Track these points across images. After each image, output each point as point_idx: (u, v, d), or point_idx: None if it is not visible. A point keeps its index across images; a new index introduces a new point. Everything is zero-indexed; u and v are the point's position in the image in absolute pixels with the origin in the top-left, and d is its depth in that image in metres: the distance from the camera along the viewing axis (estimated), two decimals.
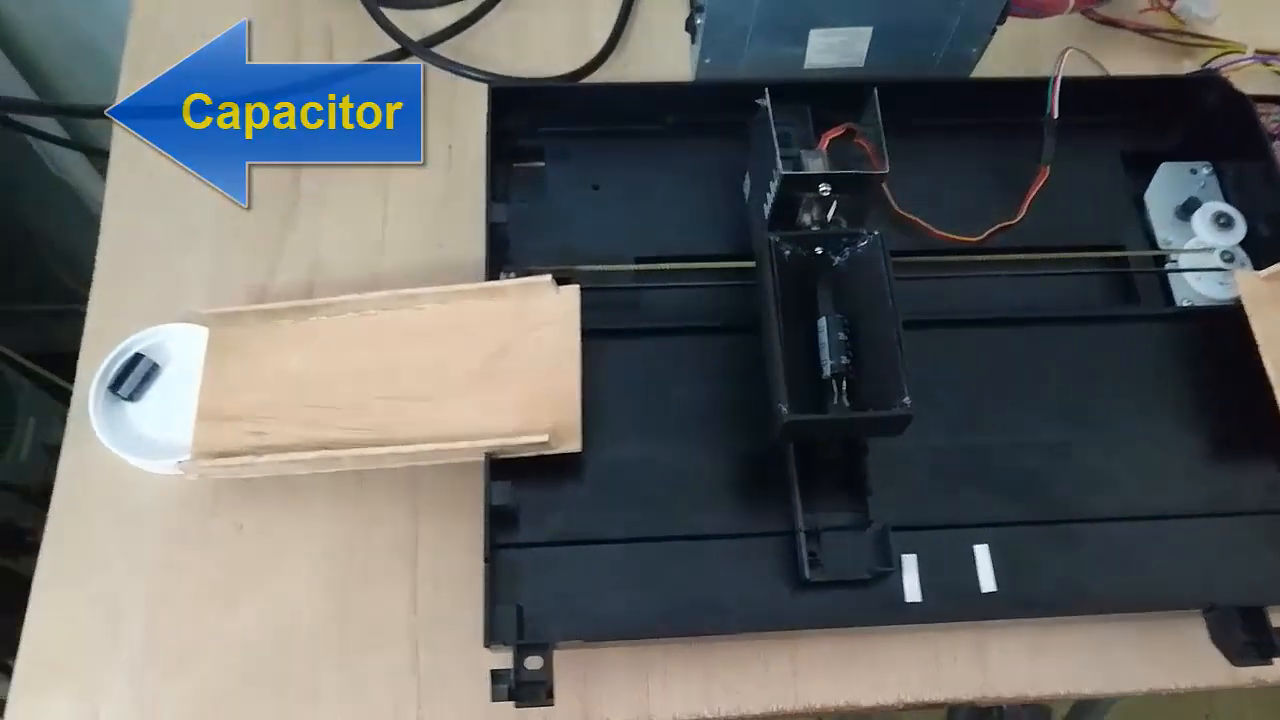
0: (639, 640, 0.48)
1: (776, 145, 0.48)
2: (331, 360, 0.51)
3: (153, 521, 0.51)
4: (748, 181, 0.55)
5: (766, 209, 0.50)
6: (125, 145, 0.60)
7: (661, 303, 0.55)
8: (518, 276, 0.52)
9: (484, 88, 0.60)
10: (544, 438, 0.46)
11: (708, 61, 0.59)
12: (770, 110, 0.49)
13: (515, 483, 0.48)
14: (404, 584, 0.50)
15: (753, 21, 0.56)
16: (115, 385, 0.52)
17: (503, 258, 0.54)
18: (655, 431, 0.51)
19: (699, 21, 0.58)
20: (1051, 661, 0.50)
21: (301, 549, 0.51)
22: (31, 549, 1.03)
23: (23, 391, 1.04)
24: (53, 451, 1.10)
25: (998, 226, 0.58)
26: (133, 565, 0.50)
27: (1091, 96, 0.60)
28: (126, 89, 0.61)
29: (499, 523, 0.47)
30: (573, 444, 0.47)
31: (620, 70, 0.63)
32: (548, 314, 0.50)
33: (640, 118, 0.59)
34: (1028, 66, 0.62)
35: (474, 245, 0.56)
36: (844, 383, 0.48)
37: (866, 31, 0.57)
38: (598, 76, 0.63)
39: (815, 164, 0.50)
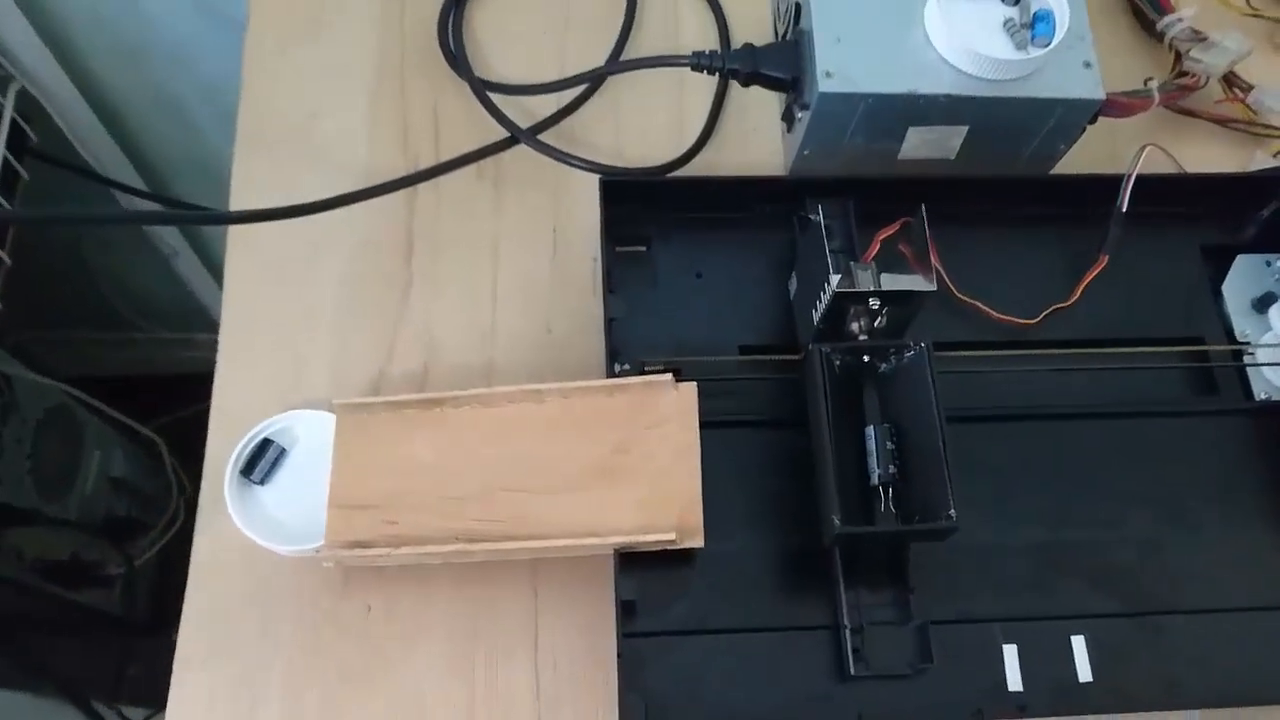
0: None
1: (830, 260, 0.51)
2: (459, 451, 0.53)
3: (287, 603, 0.53)
4: (794, 281, 0.58)
5: (815, 315, 0.53)
6: (244, 229, 0.62)
7: (760, 392, 0.58)
8: (631, 369, 0.55)
9: (586, 174, 0.63)
10: (672, 536, 0.49)
11: (806, 153, 0.61)
12: (824, 224, 0.52)
13: (635, 575, 0.50)
14: (526, 666, 0.53)
15: (856, 119, 0.58)
16: (247, 469, 0.54)
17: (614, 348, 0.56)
18: (751, 522, 0.54)
19: (800, 116, 0.60)
20: None
21: (427, 631, 0.53)
22: (99, 582, 1.05)
23: (88, 427, 1.07)
24: (116, 484, 1.13)
25: (1052, 309, 0.60)
26: (269, 647, 0.52)
27: (1166, 190, 0.63)
28: (243, 171, 0.63)
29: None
30: (696, 540, 0.50)
31: (715, 155, 0.66)
32: (667, 411, 0.52)
33: (741, 206, 0.61)
34: (1103, 152, 0.64)
35: (580, 330, 0.59)
36: (890, 490, 0.51)
37: (962, 130, 0.59)
38: (696, 162, 0.65)
39: (865, 277, 0.53)
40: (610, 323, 0.55)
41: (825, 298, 0.51)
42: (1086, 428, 0.59)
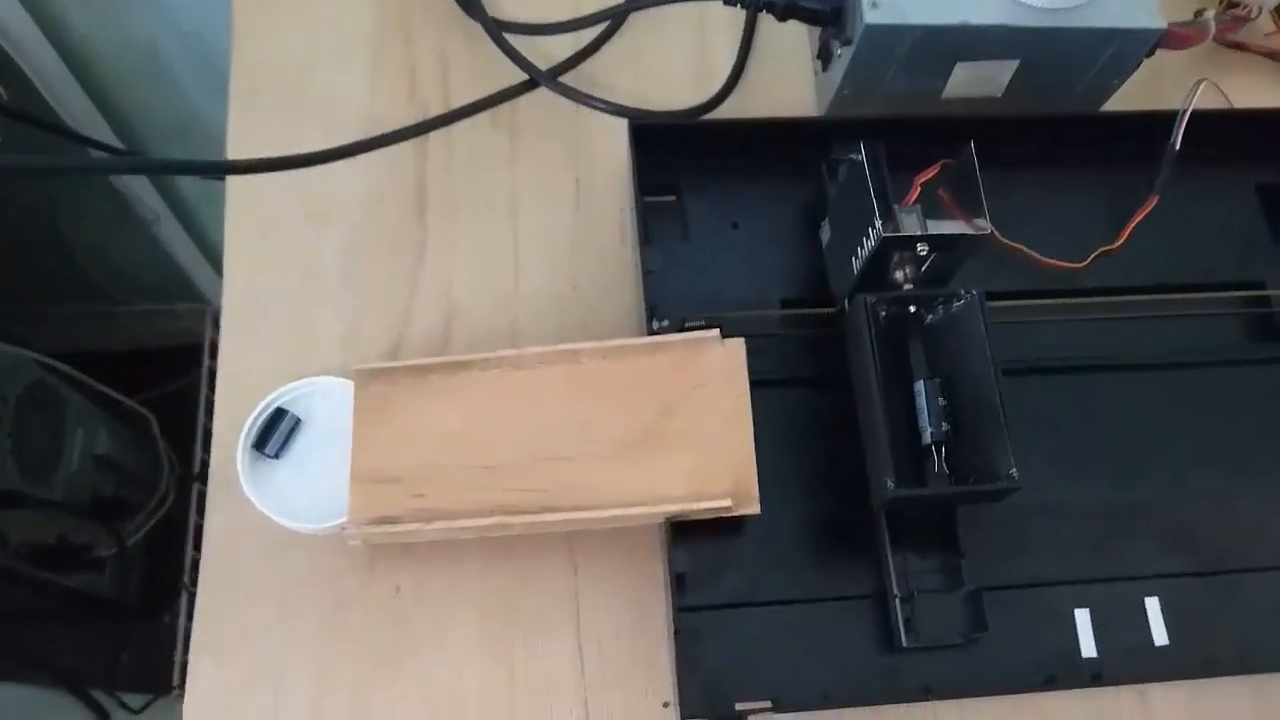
0: (831, 707, 0.47)
1: (876, 204, 0.47)
2: (488, 418, 0.49)
3: (309, 585, 0.49)
4: (826, 230, 0.54)
5: (855, 264, 0.49)
6: (242, 185, 0.57)
7: (798, 349, 0.54)
8: (671, 326, 0.51)
9: (609, 119, 0.59)
10: (728, 503, 0.46)
11: (845, 93, 0.58)
12: (867, 165, 0.48)
13: (686, 546, 0.47)
14: (568, 645, 0.49)
15: (902, 55, 0.54)
16: (260, 443, 0.50)
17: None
18: (792, 486, 0.51)
19: (839, 52, 0.56)
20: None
21: (460, 610, 0.50)
22: (89, 565, 1.01)
23: (70, 403, 1.02)
24: (102, 462, 1.08)
25: (1098, 251, 0.57)
26: (292, 632, 0.49)
27: (1220, 128, 0.59)
28: (238, 125, 0.58)
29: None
30: (752, 506, 0.46)
31: (745, 98, 0.61)
32: (713, 369, 0.49)
33: (775, 152, 0.57)
34: (1146, 91, 0.61)
35: (608, 286, 0.55)
36: (942, 449, 0.48)
37: (1013, 64, 0.56)
38: (723, 107, 0.60)
39: (911, 221, 0.49)
40: (648, 276, 0.51)
41: (869, 244, 0.48)
42: (1143, 379, 0.56)
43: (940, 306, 0.49)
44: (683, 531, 0.47)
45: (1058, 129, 0.59)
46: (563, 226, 0.58)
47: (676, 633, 0.45)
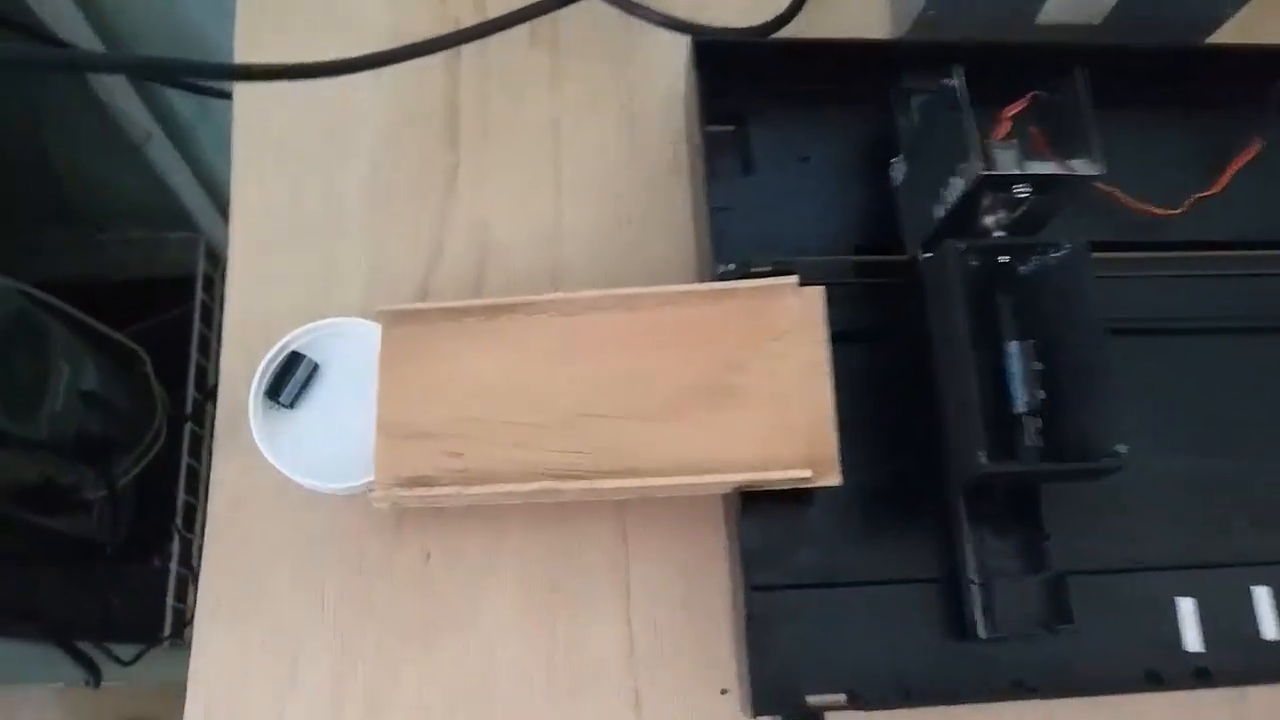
0: (913, 705, 0.42)
1: (970, 138, 0.41)
2: (534, 369, 0.44)
3: (328, 548, 0.44)
4: (899, 168, 0.48)
5: (939, 206, 0.44)
6: (251, 102, 0.51)
7: (869, 300, 0.49)
8: (736, 271, 0.46)
9: (663, 35, 0.52)
10: (807, 473, 0.40)
11: (931, 14, 0.51)
12: (960, 94, 0.42)
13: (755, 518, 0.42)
14: (617, 622, 0.44)
15: None
16: (273, 391, 0.45)
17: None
18: (863, 454, 0.45)
19: None
20: None
21: (498, 580, 0.45)
22: (77, 507, 0.96)
23: (54, 336, 0.96)
24: (89, 399, 1.02)
25: (1194, 198, 0.51)
26: (309, 600, 0.44)
27: None
28: (246, 35, 0.52)
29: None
30: (832, 477, 0.41)
31: (813, 18, 0.55)
32: (787, 321, 0.43)
33: (852, 79, 0.51)
34: (1261, 25, 0.55)
35: (662, 223, 0.50)
36: (1035, 420, 0.43)
37: None
38: (792, 27, 0.54)
39: (1008, 159, 0.43)
40: (715, 214, 0.45)
41: (960, 184, 0.42)
42: (1249, 342, 0.50)
43: (1036, 257, 0.44)
44: (752, 501, 0.42)
45: (1160, 61, 0.53)
46: (610, 156, 0.52)
47: (748, 616, 0.40)
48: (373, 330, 0.45)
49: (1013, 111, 0.45)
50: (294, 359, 0.45)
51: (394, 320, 0.44)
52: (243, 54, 0.52)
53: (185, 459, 1.11)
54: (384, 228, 0.49)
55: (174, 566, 1.05)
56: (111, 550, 0.99)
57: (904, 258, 0.47)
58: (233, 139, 0.50)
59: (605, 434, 0.43)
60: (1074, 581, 0.42)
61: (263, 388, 0.44)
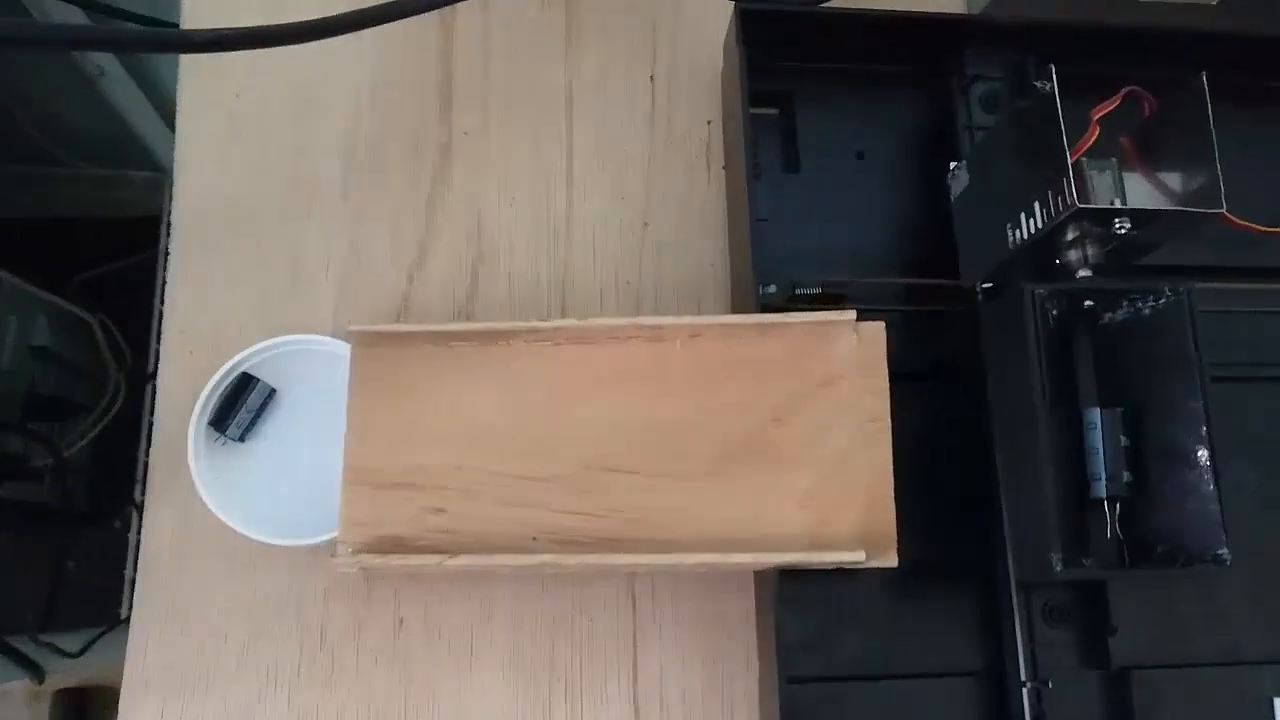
0: None
1: (1069, 160, 0.33)
2: (535, 409, 0.36)
3: (284, 617, 0.37)
4: (962, 177, 0.40)
5: (1010, 236, 0.36)
6: (202, 62, 0.42)
7: (916, 332, 0.41)
8: (778, 292, 0.38)
9: (699, 1, 0.44)
10: (860, 555, 0.33)
11: None
12: (1057, 96, 0.34)
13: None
14: (621, 703, 0.38)
15: None
16: (219, 420, 0.37)
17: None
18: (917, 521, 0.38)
19: None
20: None
21: (485, 654, 0.38)
22: (25, 474, 0.88)
23: (2, 286, 0.87)
24: (38, 354, 0.94)
25: None
26: (259, 679, 0.36)
27: None
28: None
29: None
30: (887, 557, 0.34)
31: None
32: (843, 362, 0.36)
33: (917, 57, 0.43)
34: None
35: (690, 224, 0.43)
36: (1117, 506, 0.35)
37: None
38: None
39: (1104, 183, 0.35)
40: (757, 226, 0.38)
41: (1046, 213, 0.34)
42: None
43: (1129, 304, 0.36)
44: (791, 580, 0.35)
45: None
46: (633, 140, 0.44)
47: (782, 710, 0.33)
48: (343, 351, 0.37)
49: (1104, 112, 0.36)
50: (245, 382, 0.38)
51: (369, 342, 0.37)
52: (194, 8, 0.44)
53: (148, 418, 1.03)
54: (360, 222, 0.41)
55: (133, 536, 0.97)
56: (66, 518, 0.91)
57: (954, 283, 0.39)
58: (178, 105, 0.41)
59: (622, 494, 0.35)
60: (1144, 678, 0.36)
61: (206, 417, 0.37)
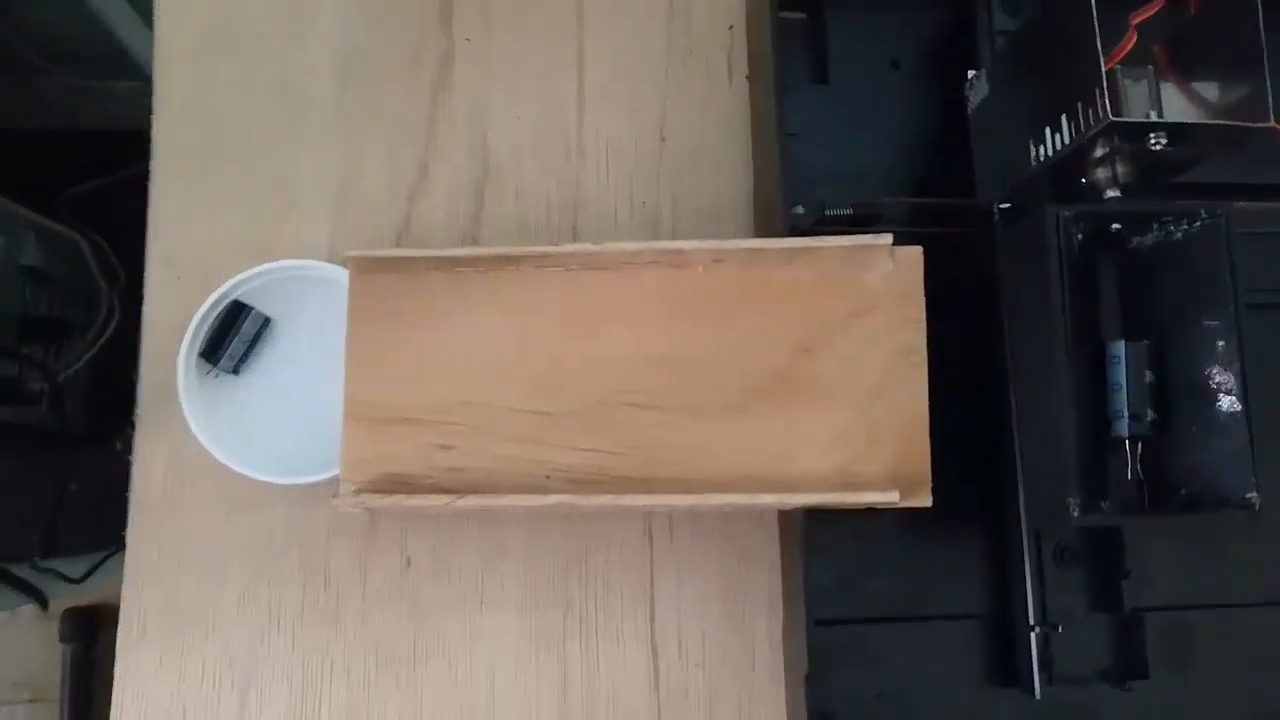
0: None
1: (1103, 67, 0.29)
2: (547, 340, 0.34)
3: (285, 556, 0.36)
4: (981, 87, 0.36)
5: (1034, 153, 0.32)
6: None
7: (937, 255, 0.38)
8: (807, 214, 0.35)
9: None
10: (894, 496, 0.31)
11: None
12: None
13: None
14: (638, 645, 0.36)
15: None
16: (211, 351, 0.35)
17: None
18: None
19: None
20: None
21: (495, 594, 0.36)
22: (22, 398, 0.86)
23: None
24: (29, 275, 0.91)
25: None
26: (262, 620, 0.35)
27: None
28: None
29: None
30: (921, 497, 0.32)
31: None
32: (878, 291, 0.34)
33: None
34: None
35: (712, 138, 0.40)
36: (1139, 446, 0.33)
37: None
38: None
39: (1140, 94, 0.32)
40: (787, 140, 0.35)
41: (1076, 126, 0.31)
42: None
43: (1160, 228, 0.33)
44: (818, 522, 0.33)
45: None
46: (648, 48, 0.40)
47: (811, 656, 0.31)
48: (342, 278, 0.35)
49: (1144, 16, 0.33)
50: (238, 311, 0.35)
51: (368, 268, 0.34)
52: None
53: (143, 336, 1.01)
54: (355, 139, 0.38)
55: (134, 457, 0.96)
56: (65, 441, 0.90)
57: (969, 203, 0.36)
58: (154, 10, 0.38)
59: (641, 430, 0.33)
60: (1157, 622, 0.35)
61: (196, 348, 0.35)
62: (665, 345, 0.34)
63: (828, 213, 0.36)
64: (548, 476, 0.33)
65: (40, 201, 0.95)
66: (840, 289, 0.34)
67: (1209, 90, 0.32)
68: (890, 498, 0.32)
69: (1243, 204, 0.38)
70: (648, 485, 0.33)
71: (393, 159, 0.38)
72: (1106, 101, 0.29)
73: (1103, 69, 0.29)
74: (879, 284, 0.34)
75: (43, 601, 0.78)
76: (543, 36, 0.40)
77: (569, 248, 0.34)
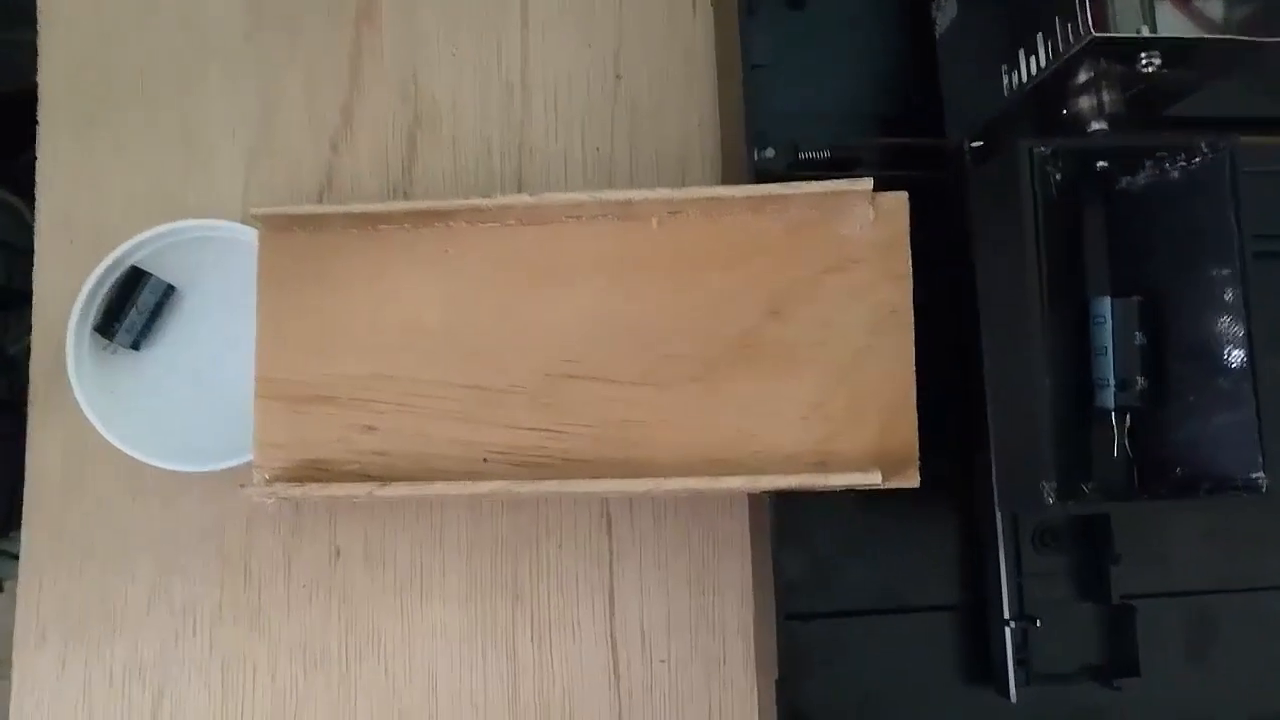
0: None
1: None
2: (483, 305, 0.30)
3: (200, 548, 0.32)
4: (949, 7, 0.32)
5: (1007, 81, 0.28)
6: None
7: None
8: (777, 159, 0.31)
9: None
10: (876, 477, 0.28)
11: None
12: None
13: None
14: (596, 639, 0.33)
15: None
16: (106, 325, 0.31)
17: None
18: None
19: None
20: None
21: (435, 586, 0.33)
22: None
23: None
24: None
25: None
26: (176, 618, 0.31)
27: None
28: None
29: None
30: (908, 476, 0.29)
31: None
32: (857, 243, 0.30)
33: None
34: None
35: (672, 75, 0.35)
36: (1127, 419, 0.29)
37: None
38: None
39: (1129, 4, 0.27)
40: (751, 73, 0.30)
41: (1060, 46, 0.26)
42: None
43: (1154, 166, 0.29)
44: (788, 505, 0.30)
45: None
46: None
47: (780, 681, 0.28)
48: (253, 238, 0.31)
49: None
50: (136, 278, 0.31)
51: (278, 226, 0.30)
52: None
53: None
54: (270, 80, 0.34)
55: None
56: (16, 412, 0.86)
57: (940, 143, 0.32)
58: None
59: (590, 406, 0.30)
60: (1149, 612, 0.31)
61: (89, 322, 0.31)
62: (616, 309, 0.30)
63: (801, 155, 0.32)
64: (485, 460, 0.30)
65: None
66: (814, 242, 0.30)
67: (1212, 6, 0.27)
68: (873, 479, 0.28)
69: (1248, 138, 0.34)
70: (597, 468, 0.29)
71: (312, 102, 0.34)
72: (1089, 14, 0.25)
73: None
74: (858, 235, 0.30)
75: None
76: None
77: (504, 200, 0.30)
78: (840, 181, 0.29)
